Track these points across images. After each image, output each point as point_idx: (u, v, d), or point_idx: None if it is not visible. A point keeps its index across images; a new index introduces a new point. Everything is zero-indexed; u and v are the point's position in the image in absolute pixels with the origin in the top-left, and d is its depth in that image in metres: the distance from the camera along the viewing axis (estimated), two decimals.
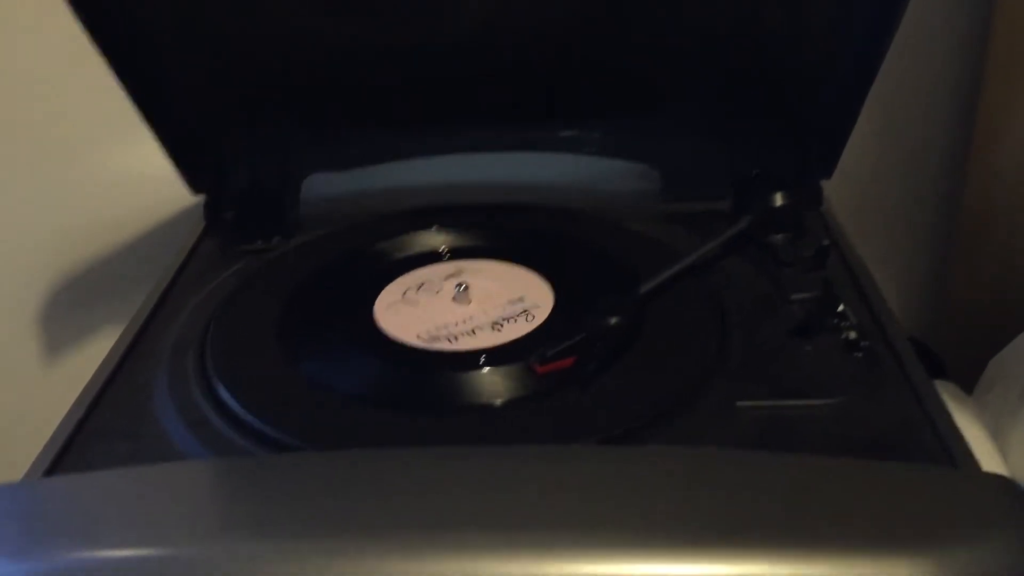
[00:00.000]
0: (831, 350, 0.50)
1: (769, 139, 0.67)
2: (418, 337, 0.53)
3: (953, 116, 0.79)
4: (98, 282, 0.82)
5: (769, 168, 0.66)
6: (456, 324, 0.54)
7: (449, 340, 0.53)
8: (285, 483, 0.39)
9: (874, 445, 0.44)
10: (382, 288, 0.59)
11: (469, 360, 0.51)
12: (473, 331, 0.54)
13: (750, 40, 0.63)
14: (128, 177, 0.78)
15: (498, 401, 0.48)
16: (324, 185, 0.72)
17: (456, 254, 0.63)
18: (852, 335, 0.51)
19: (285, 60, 0.65)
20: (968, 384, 0.68)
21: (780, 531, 0.35)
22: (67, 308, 0.83)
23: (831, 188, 0.68)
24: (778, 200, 0.63)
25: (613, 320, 0.52)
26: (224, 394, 0.49)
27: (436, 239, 0.65)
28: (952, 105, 0.78)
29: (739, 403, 0.47)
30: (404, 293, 0.58)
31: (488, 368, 0.50)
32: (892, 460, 0.43)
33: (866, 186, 0.80)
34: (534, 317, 0.55)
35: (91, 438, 0.48)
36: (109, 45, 0.59)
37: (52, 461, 0.45)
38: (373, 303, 0.57)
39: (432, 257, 0.63)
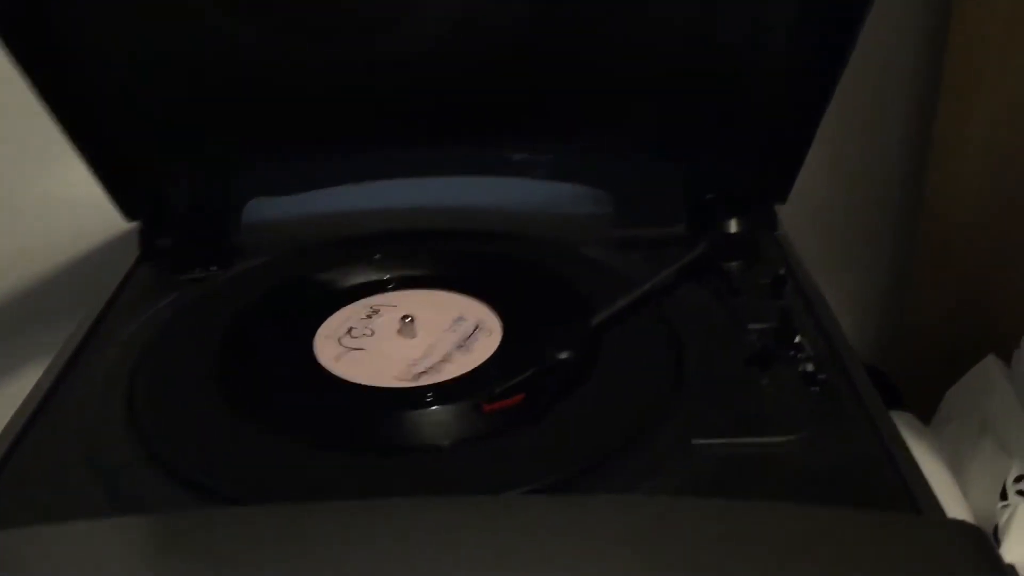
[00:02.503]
0: (788, 383, 0.49)
1: (723, 163, 0.66)
2: (361, 373, 0.51)
3: (908, 142, 0.79)
4: (23, 313, 0.78)
5: (723, 192, 0.65)
6: (401, 359, 0.52)
7: (394, 376, 0.51)
8: (215, 542, 0.37)
9: (833, 484, 0.43)
10: (323, 320, 0.56)
11: (415, 397, 0.49)
12: (419, 366, 0.51)
13: (704, 63, 0.62)
14: (56, 201, 0.75)
15: (446, 442, 0.46)
16: (266, 210, 0.69)
17: (402, 283, 0.61)
18: (809, 367, 0.50)
19: (225, 81, 0.63)
20: (924, 411, 0.67)
21: None
22: None
23: (785, 213, 0.67)
24: (733, 226, 0.62)
25: (564, 354, 0.50)
26: (154, 438, 0.46)
27: (380, 268, 0.62)
28: (907, 130, 0.78)
29: (695, 441, 0.45)
30: (346, 326, 0.56)
31: (435, 406, 0.48)
32: (852, 499, 0.42)
33: (820, 211, 0.80)
34: (482, 350, 0.53)
35: (10, 486, 0.44)
36: (31, 62, 0.56)
37: None
38: (313, 337, 0.55)
39: (376, 287, 0.60)
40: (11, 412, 0.49)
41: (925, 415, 0.66)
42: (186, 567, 0.37)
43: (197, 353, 0.53)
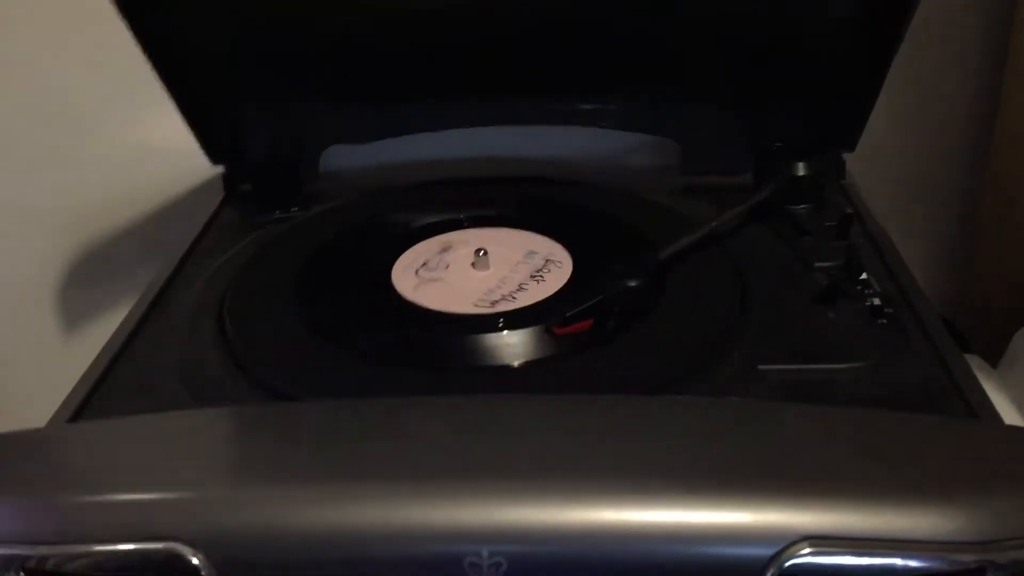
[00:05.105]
0: (855, 316, 0.50)
1: (790, 112, 0.66)
2: (436, 301, 0.53)
3: (978, 91, 0.78)
4: (119, 252, 0.82)
5: (791, 141, 0.66)
6: (475, 289, 0.54)
7: (468, 304, 0.53)
8: (308, 429, 0.39)
9: (898, 408, 0.44)
10: (400, 254, 0.58)
11: (487, 322, 0.51)
12: (492, 295, 0.53)
13: (770, 11, 0.63)
14: (148, 148, 0.79)
15: (516, 362, 0.48)
16: (343, 158, 0.72)
17: (475, 222, 0.63)
18: (876, 302, 0.50)
19: (305, 31, 0.65)
20: (992, 360, 0.67)
21: (803, 479, 0.35)
22: (89, 278, 0.83)
23: (854, 163, 0.67)
24: (800, 170, 0.62)
25: (631, 283, 0.52)
26: (241, 351, 0.49)
27: (454, 208, 0.64)
28: (977, 80, 0.77)
29: (761, 367, 0.46)
30: (422, 259, 0.58)
31: (506, 331, 0.50)
32: None
33: (890, 161, 0.79)
34: (553, 283, 0.54)
35: (108, 396, 0.47)
36: (133, 14, 0.59)
37: (74, 411, 0.45)
38: (391, 269, 0.57)
39: (451, 225, 0.62)
40: None
41: (993, 364, 0.66)
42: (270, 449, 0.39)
43: (282, 281, 0.56)
